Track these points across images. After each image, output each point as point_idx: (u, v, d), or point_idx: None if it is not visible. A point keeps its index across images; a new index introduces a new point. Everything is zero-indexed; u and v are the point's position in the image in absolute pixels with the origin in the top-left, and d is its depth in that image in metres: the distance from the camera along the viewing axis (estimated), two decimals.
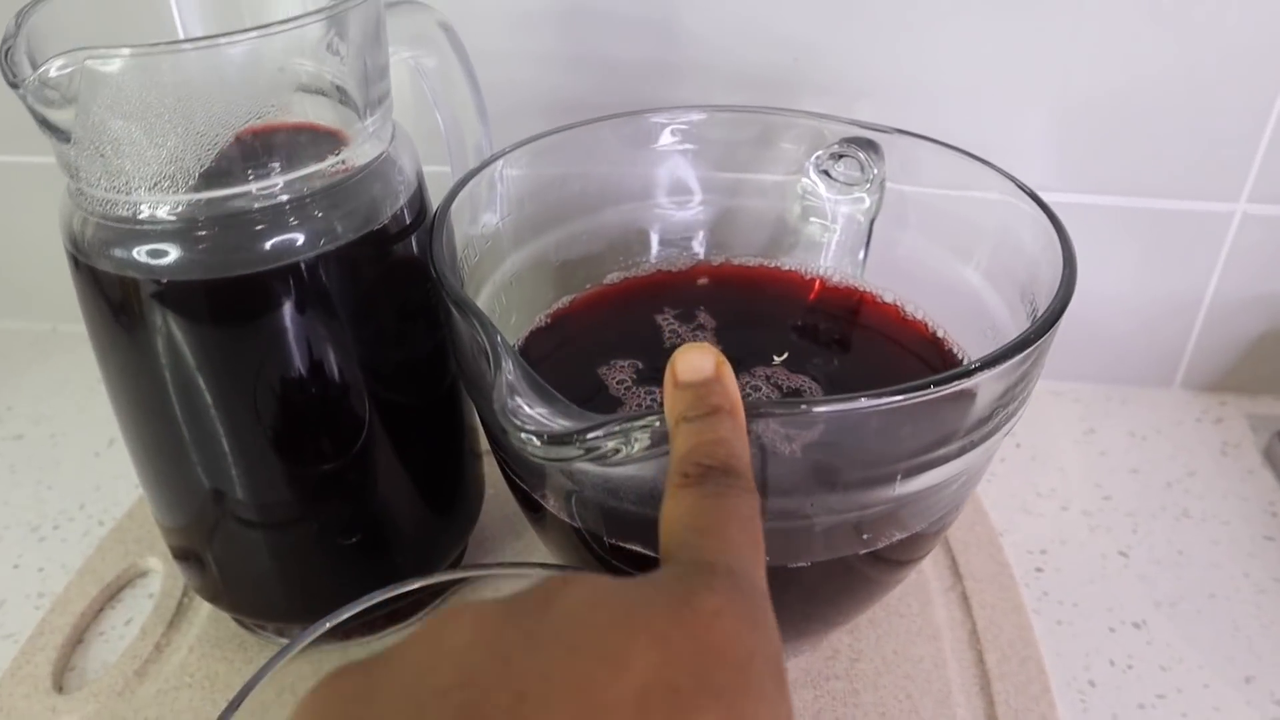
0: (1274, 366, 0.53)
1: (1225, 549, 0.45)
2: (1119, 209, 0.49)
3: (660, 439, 0.25)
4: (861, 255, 0.41)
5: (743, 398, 0.34)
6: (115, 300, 0.31)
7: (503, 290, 0.38)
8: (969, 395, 0.28)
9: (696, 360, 0.24)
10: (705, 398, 0.24)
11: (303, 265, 0.31)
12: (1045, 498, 0.47)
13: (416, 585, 0.33)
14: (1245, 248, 0.49)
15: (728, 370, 0.24)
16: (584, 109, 0.41)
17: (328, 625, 0.30)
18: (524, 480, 0.33)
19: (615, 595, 0.18)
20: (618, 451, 0.25)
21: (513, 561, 0.41)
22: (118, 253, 0.30)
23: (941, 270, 0.38)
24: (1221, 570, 0.43)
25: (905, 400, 0.26)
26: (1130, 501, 0.47)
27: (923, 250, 0.38)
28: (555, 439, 0.25)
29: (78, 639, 0.41)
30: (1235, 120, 0.46)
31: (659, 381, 0.36)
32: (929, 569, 0.42)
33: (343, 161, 0.31)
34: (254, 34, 0.27)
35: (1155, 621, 0.41)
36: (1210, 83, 0.45)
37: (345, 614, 0.31)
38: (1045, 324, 0.29)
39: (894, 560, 0.33)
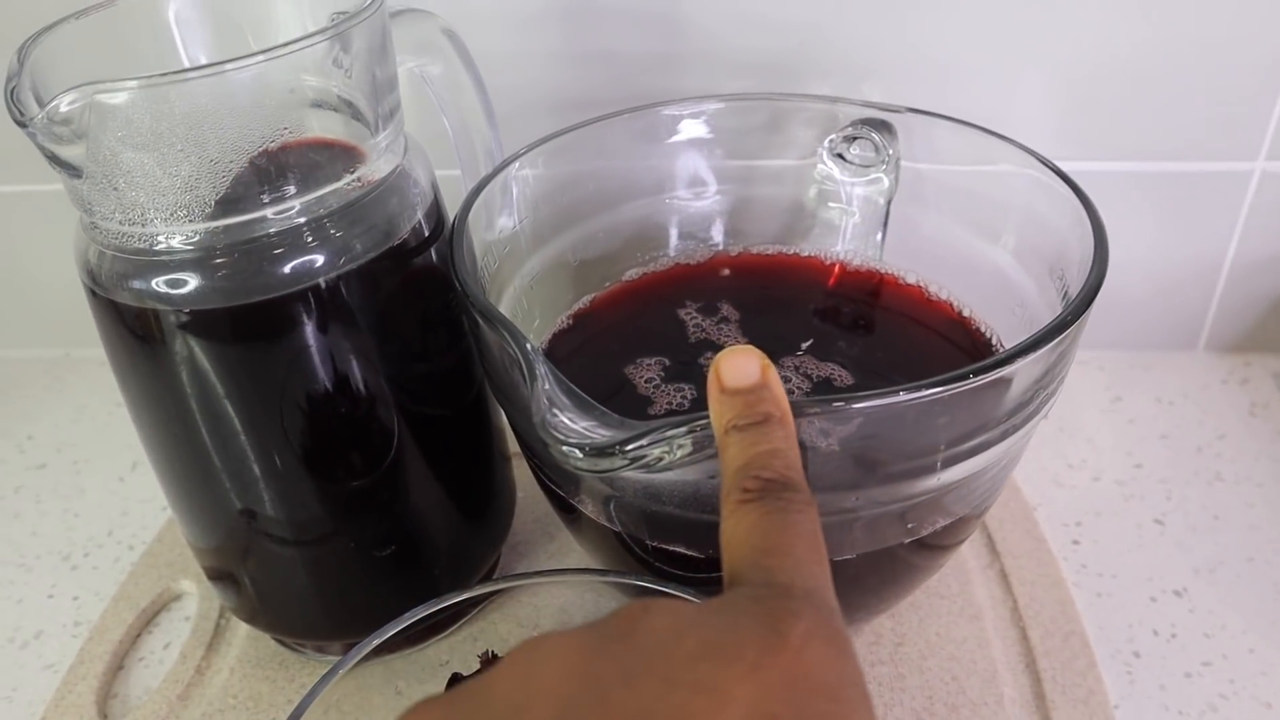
0: None
1: (1261, 511, 0.44)
2: (1136, 174, 0.48)
3: (704, 444, 0.25)
4: (879, 237, 0.40)
5: None
6: (136, 331, 0.31)
7: (523, 294, 0.38)
8: (1010, 380, 0.27)
9: (742, 365, 0.24)
10: (754, 405, 0.23)
11: (323, 286, 0.30)
12: (1076, 469, 0.47)
13: (460, 598, 0.32)
14: (1265, 206, 0.49)
15: (774, 375, 0.24)
16: (590, 106, 0.41)
17: (374, 643, 0.30)
18: (560, 486, 0.33)
19: (700, 623, 0.18)
20: (661, 459, 0.25)
21: (550, 570, 0.41)
22: (136, 284, 0.30)
23: (963, 249, 0.37)
24: (1259, 533, 0.43)
25: (946, 390, 0.26)
26: (1162, 468, 0.47)
27: (943, 229, 0.38)
28: (597, 450, 0.24)
29: (118, 666, 0.41)
30: (1250, 78, 0.45)
31: (687, 378, 0.36)
32: (966, 548, 0.42)
33: (358, 179, 0.31)
34: (261, 57, 0.27)
35: (1196, 588, 0.41)
36: (1223, 42, 0.45)
37: (390, 631, 0.31)
38: (1083, 303, 0.28)
39: (937, 546, 0.33)
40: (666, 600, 0.19)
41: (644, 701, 0.16)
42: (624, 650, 0.17)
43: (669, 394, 0.35)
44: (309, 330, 0.31)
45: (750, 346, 0.24)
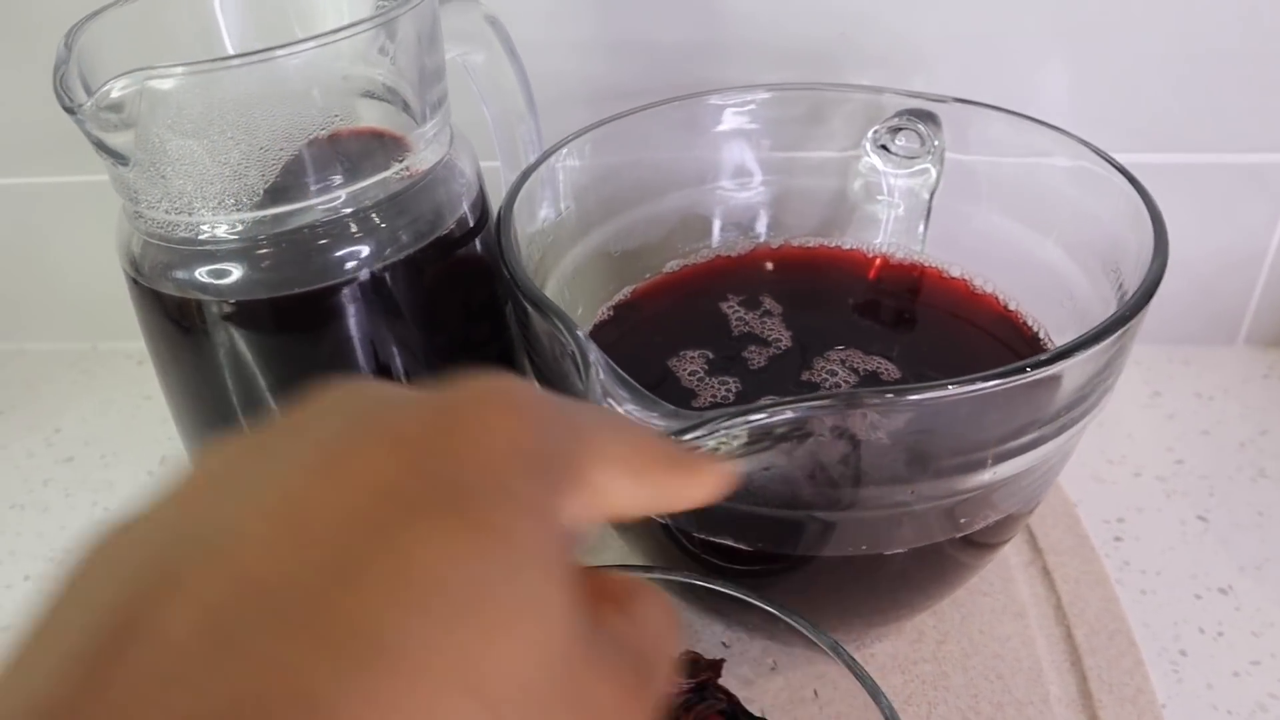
0: None
1: None
2: (1176, 165, 0.48)
3: (758, 435, 0.24)
4: (922, 230, 0.40)
5: (823, 385, 0.34)
6: (178, 321, 0.31)
7: (566, 285, 0.37)
8: (1067, 375, 0.27)
9: None
10: None
11: (368, 277, 0.30)
12: (1117, 465, 0.47)
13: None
14: None
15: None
16: (628, 96, 0.40)
17: None
18: None
19: (366, 394, 0.15)
20: (717, 450, 0.24)
21: (590, 567, 0.40)
22: (179, 274, 0.30)
23: (1011, 242, 0.37)
24: None
25: (1005, 384, 0.25)
26: (1204, 464, 0.46)
27: (990, 222, 0.37)
28: None
29: None
30: None
31: (731, 370, 0.36)
32: (1008, 545, 0.42)
33: (406, 168, 0.30)
34: (311, 44, 0.27)
35: (1241, 586, 0.40)
36: (1264, 30, 0.44)
37: None
38: (1143, 297, 0.28)
39: (984, 544, 0.33)
40: (360, 380, 0.16)
41: (260, 495, 0.14)
42: (281, 435, 0.15)
43: (713, 386, 0.35)
44: (353, 321, 0.30)
45: None
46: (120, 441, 0.54)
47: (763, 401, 0.24)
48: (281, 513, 0.13)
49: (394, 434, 0.14)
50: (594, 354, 0.25)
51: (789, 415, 0.24)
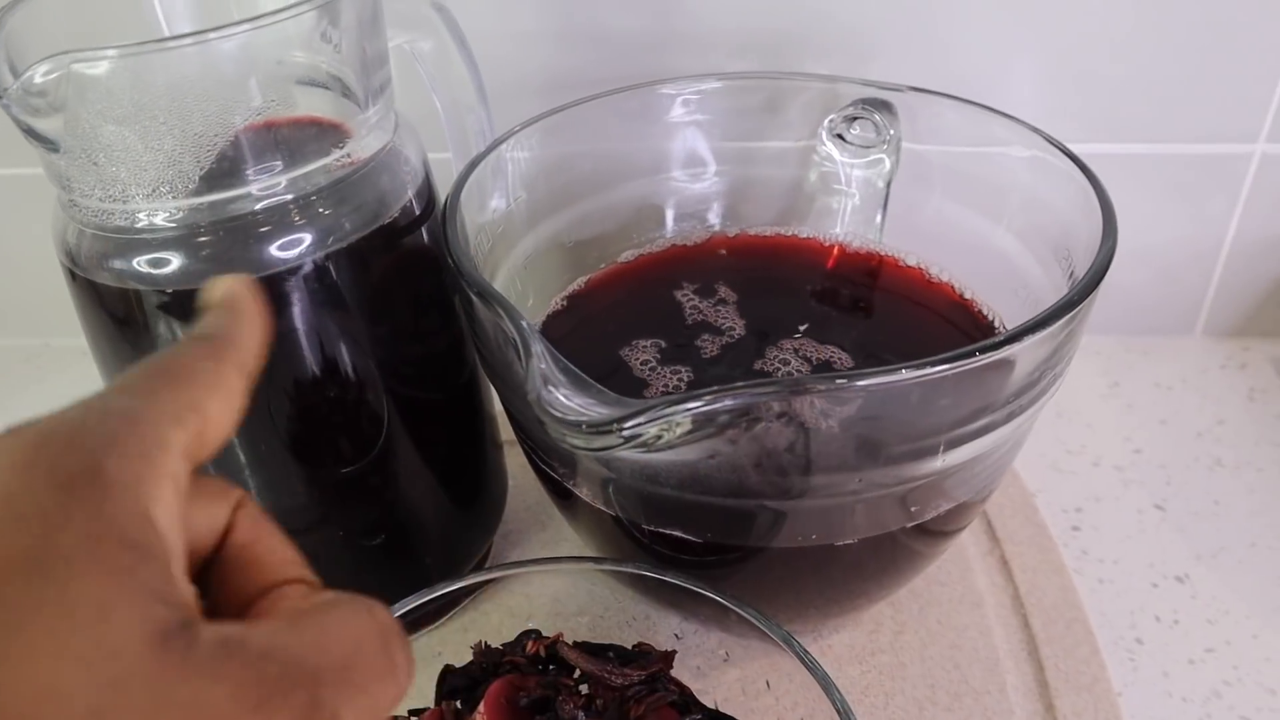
0: None
1: (1261, 496, 0.44)
2: (1134, 156, 0.48)
3: (703, 422, 0.24)
4: (879, 219, 0.39)
5: (776, 374, 0.33)
6: (117, 313, 0.30)
7: (517, 276, 0.37)
8: (1016, 360, 0.27)
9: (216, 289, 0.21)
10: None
11: (311, 265, 0.29)
12: (1076, 454, 0.47)
13: (452, 588, 0.32)
14: (1265, 189, 0.48)
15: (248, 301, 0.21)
16: (582, 86, 0.40)
17: None
18: (555, 470, 0.32)
19: None
20: (660, 437, 0.24)
21: (544, 559, 0.40)
22: (117, 264, 0.29)
23: (965, 230, 0.37)
24: (1260, 518, 0.43)
25: (954, 369, 0.25)
26: (1162, 454, 0.46)
27: (945, 211, 0.37)
28: (594, 428, 0.24)
29: None
30: (1250, 59, 0.45)
31: (684, 360, 0.35)
32: (966, 535, 0.42)
33: (347, 155, 0.30)
34: (247, 26, 0.26)
35: (1198, 574, 0.41)
36: (1223, 22, 0.44)
37: None
38: (1091, 282, 0.28)
39: (939, 531, 0.33)
40: None
41: None
42: None
43: (665, 376, 0.35)
44: (296, 312, 0.30)
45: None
46: None
47: (704, 390, 0.24)
48: None
49: None
50: (536, 342, 0.25)
51: (731, 402, 0.24)
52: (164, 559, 0.14)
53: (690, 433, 0.24)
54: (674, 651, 0.32)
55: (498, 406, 0.37)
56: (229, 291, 0.21)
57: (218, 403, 0.18)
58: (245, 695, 0.13)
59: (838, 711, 0.27)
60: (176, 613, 0.14)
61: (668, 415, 0.24)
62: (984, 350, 0.25)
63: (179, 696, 0.13)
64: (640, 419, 0.23)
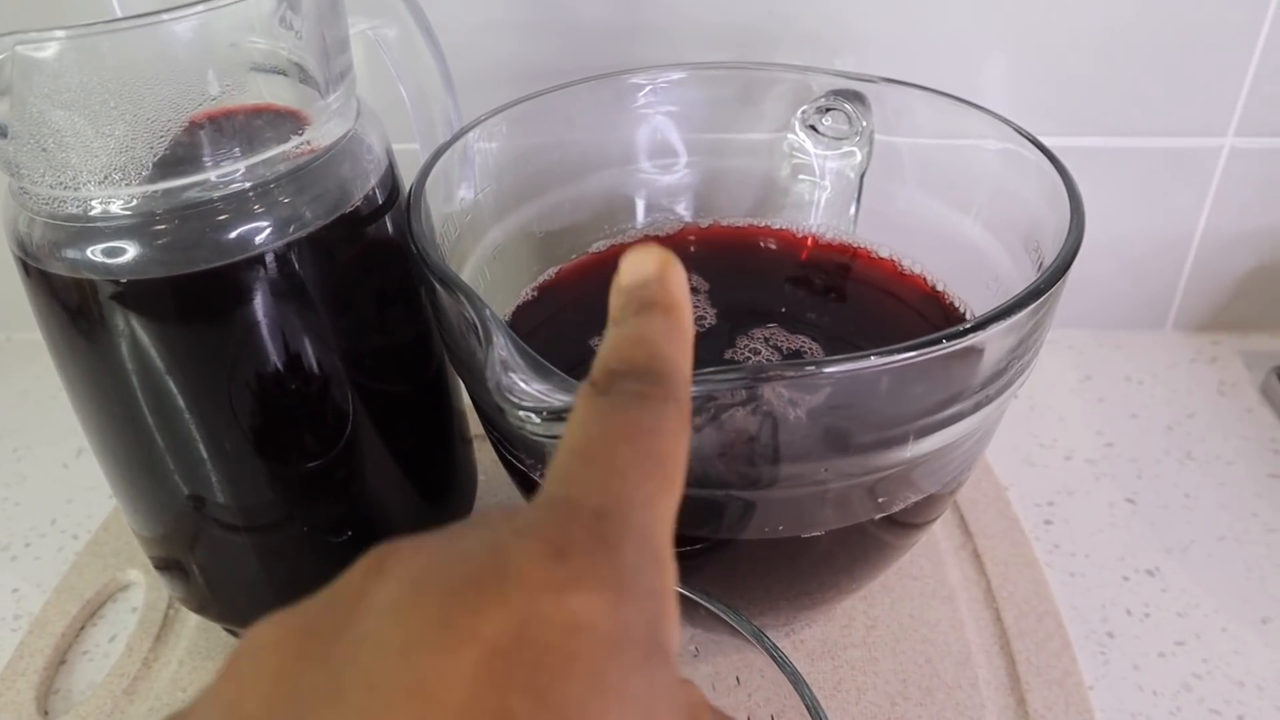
0: (1265, 302, 0.52)
1: (1231, 490, 0.44)
2: (1103, 149, 0.48)
3: None
4: (853, 211, 0.39)
5: (744, 361, 0.33)
6: (72, 305, 0.29)
7: (486, 266, 0.36)
8: (983, 348, 0.27)
9: (640, 260, 0.19)
10: (638, 297, 0.19)
11: (272, 255, 0.29)
12: (1048, 448, 0.47)
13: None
14: (1234, 182, 0.48)
15: (675, 271, 0.19)
16: (551, 77, 0.39)
17: None
18: (523, 461, 0.31)
19: (433, 580, 0.13)
20: None
21: None
22: (70, 254, 0.28)
23: (938, 222, 0.37)
24: (1229, 511, 0.43)
25: (919, 356, 0.25)
26: (1132, 447, 0.46)
27: (917, 202, 0.37)
28: (555, 415, 0.23)
29: (60, 660, 0.39)
30: (1219, 53, 0.45)
31: None
32: (938, 528, 0.42)
33: (307, 142, 0.29)
34: (200, 9, 0.25)
35: (1168, 568, 0.41)
36: (1191, 16, 0.44)
37: None
38: (1058, 271, 0.28)
39: (909, 523, 0.32)
40: (411, 547, 0.14)
41: None
42: (338, 643, 0.13)
43: None
44: (257, 302, 0.29)
45: (655, 244, 0.20)
46: (35, 434, 0.52)
47: None
48: None
49: (472, 637, 0.12)
50: (496, 328, 0.25)
51: (694, 389, 0.23)
52: None
53: None
54: None
55: (468, 401, 0.36)
56: (662, 274, 0.19)
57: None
58: None
59: (807, 708, 0.27)
60: None
61: None
62: (951, 337, 0.25)
63: None
64: None
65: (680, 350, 0.18)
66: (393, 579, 0.13)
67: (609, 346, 0.17)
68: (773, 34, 0.45)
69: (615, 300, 0.19)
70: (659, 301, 0.18)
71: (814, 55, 0.45)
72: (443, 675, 0.12)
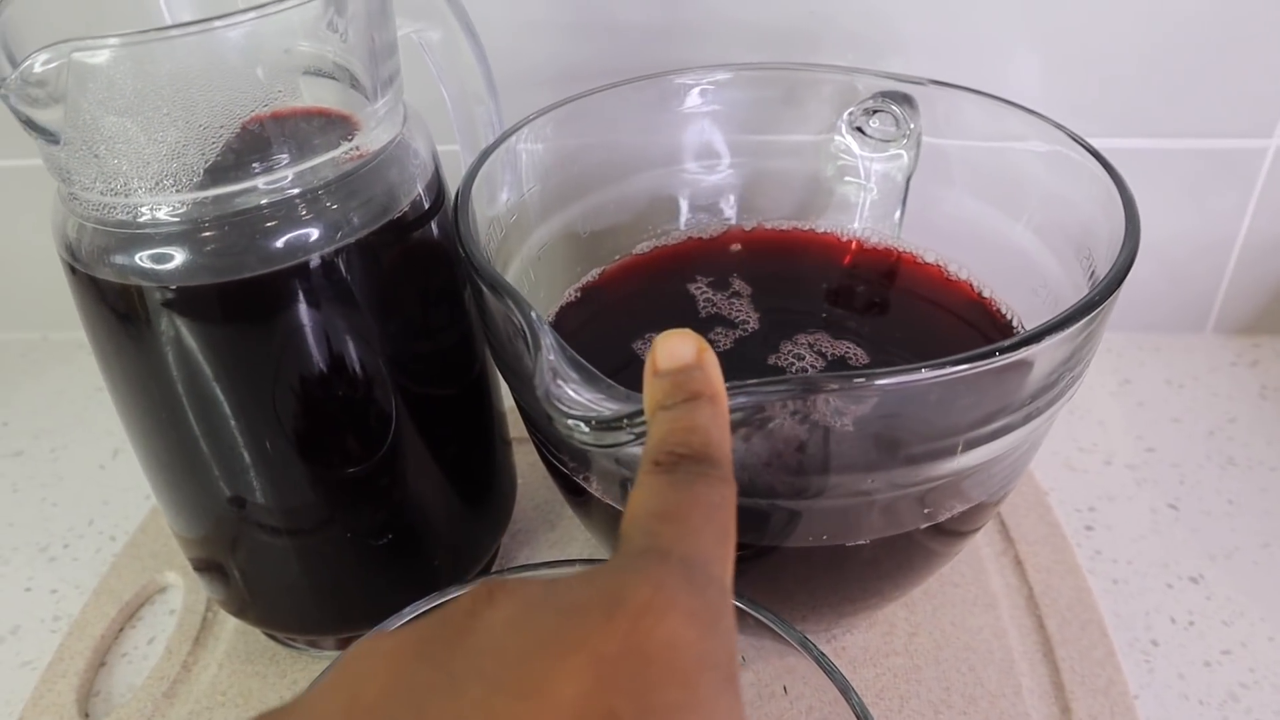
0: None
1: (1275, 496, 0.43)
2: (1147, 151, 0.47)
3: None
4: (898, 215, 0.39)
5: (789, 369, 0.33)
6: (118, 310, 0.29)
7: (530, 267, 0.36)
8: (1035, 361, 0.26)
9: (677, 346, 0.22)
10: (684, 385, 0.21)
11: (318, 261, 0.29)
12: (1088, 453, 0.46)
13: (459, 594, 0.31)
14: (1278, 184, 0.48)
15: (710, 357, 0.22)
16: (590, 78, 0.39)
17: None
18: (566, 464, 0.31)
19: (544, 605, 0.16)
20: None
21: (554, 560, 0.39)
22: (119, 259, 0.28)
23: (985, 227, 0.36)
24: (1274, 518, 0.42)
25: (971, 369, 0.25)
26: (1174, 452, 0.46)
27: (964, 207, 0.37)
28: (603, 424, 0.23)
29: (100, 662, 0.39)
30: (1264, 53, 0.44)
31: None
32: (979, 535, 0.41)
33: (356, 148, 0.29)
34: (252, 15, 0.25)
35: (1212, 575, 0.40)
36: (1237, 16, 0.43)
37: (389, 627, 0.29)
38: (1114, 281, 0.27)
39: (954, 532, 0.32)
40: (517, 581, 0.17)
41: (463, 715, 0.14)
42: (454, 652, 0.15)
43: None
44: (303, 308, 0.29)
45: (688, 330, 0.22)
46: (71, 434, 0.52)
47: None
48: None
49: (583, 646, 0.14)
50: (546, 334, 0.24)
51: (743, 399, 0.23)
52: None
53: None
54: None
55: (507, 403, 0.36)
56: (702, 362, 0.22)
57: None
58: None
59: (856, 715, 0.27)
60: None
61: None
62: (1005, 350, 0.25)
63: None
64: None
65: (726, 436, 0.21)
66: (507, 604, 0.16)
67: (668, 430, 0.20)
68: (813, 35, 0.44)
69: (658, 384, 0.21)
70: (703, 392, 0.21)
71: (854, 56, 0.44)
72: (556, 678, 0.14)
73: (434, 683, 0.15)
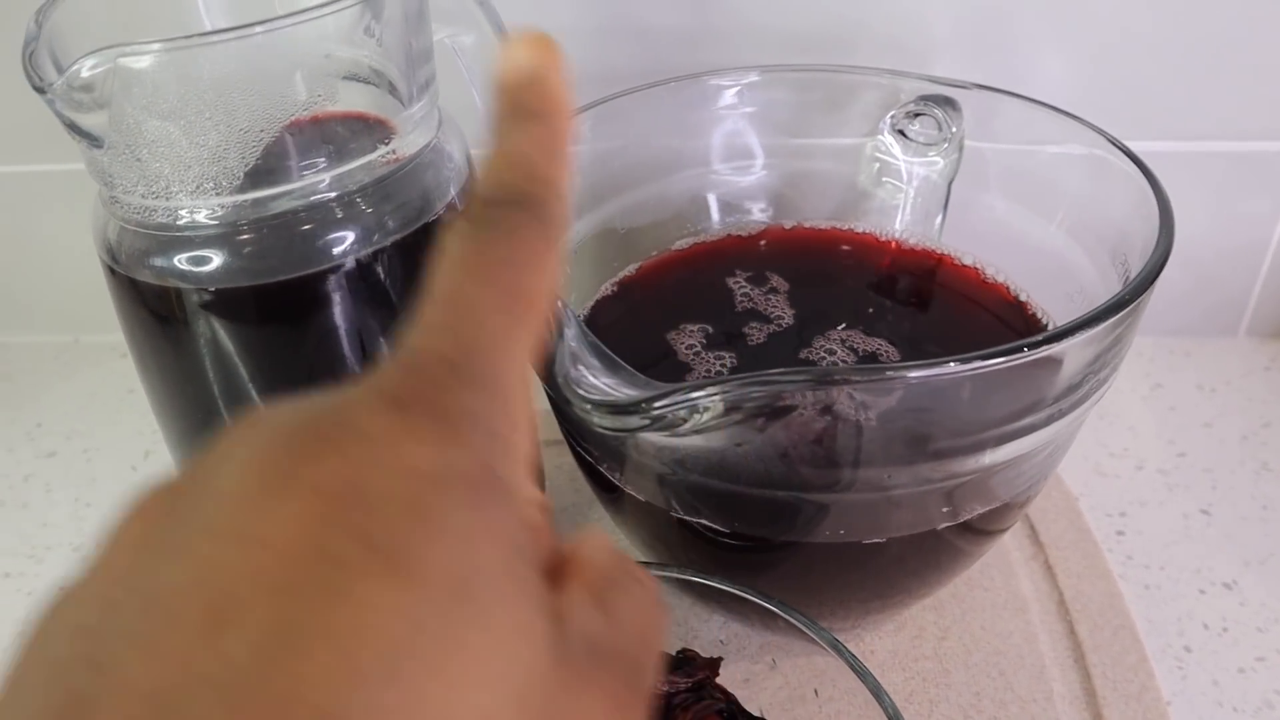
0: None
1: None
2: (1179, 154, 0.47)
3: (735, 406, 0.24)
4: (939, 220, 0.39)
5: (818, 363, 0.33)
6: (157, 311, 0.30)
7: (567, 262, 0.37)
8: (1061, 359, 0.26)
9: (516, 55, 0.17)
10: (517, 104, 0.17)
11: (355, 264, 0.29)
12: (1119, 457, 0.46)
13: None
14: None
15: (551, 63, 0.17)
16: (619, 81, 0.39)
17: None
18: (590, 453, 0.31)
19: (282, 436, 0.13)
20: (685, 421, 0.24)
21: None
22: (158, 262, 0.29)
23: (1024, 231, 0.36)
24: None
25: (996, 364, 0.25)
26: (1206, 457, 0.46)
27: (1004, 210, 0.37)
28: (620, 409, 0.24)
29: None
30: None
31: (730, 346, 0.35)
32: (1009, 539, 0.41)
33: (392, 152, 0.29)
34: (292, 20, 0.26)
35: (1246, 581, 0.40)
36: (1270, 19, 0.43)
37: None
38: (1144, 282, 0.27)
39: (980, 531, 0.32)
40: (271, 408, 0.14)
41: (178, 576, 0.12)
42: (195, 502, 0.13)
43: (708, 361, 0.34)
44: (339, 310, 0.29)
45: (540, 33, 0.18)
46: (104, 436, 0.52)
47: (736, 376, 0.24)
48: (202, 591, 0.12)
49: (305, 483, 0.12)
50: (569, 322, 0.25)
51: (759, 389, 0.23)
52: (542, 558, 0.14)
53: (720, 417, 0.24)
54: (720, 659, 0.31)
55: (544, 406, 0.36)
56: (537, 73, 0.17)
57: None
58: (612, 703, 0.14)
59: (889, 719, 0.27)
60: (555, 617, 0.14)
61: (694, 399, 0.23)
62: (1033, 346, 0.25)
63: (568, 711, 0.13)
64: (665, 401, 0.23)
65: (554, 161, 0.16)
66: (250, 438, 0.14)
67: (484, 169, 0.16)
68: (842, 40, 0.44)
69: (495, 104, 0.17)
70: (534, 109, 0.17)
71: (884, 60, 0.44)
72: (272, 519, 0.12)
73: (174, 541, 0.13)
